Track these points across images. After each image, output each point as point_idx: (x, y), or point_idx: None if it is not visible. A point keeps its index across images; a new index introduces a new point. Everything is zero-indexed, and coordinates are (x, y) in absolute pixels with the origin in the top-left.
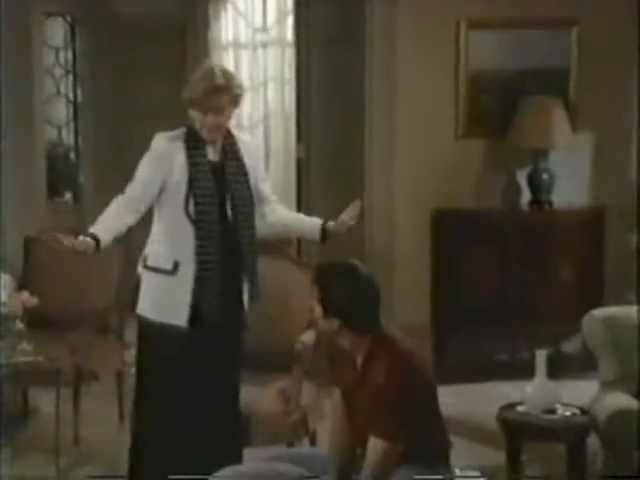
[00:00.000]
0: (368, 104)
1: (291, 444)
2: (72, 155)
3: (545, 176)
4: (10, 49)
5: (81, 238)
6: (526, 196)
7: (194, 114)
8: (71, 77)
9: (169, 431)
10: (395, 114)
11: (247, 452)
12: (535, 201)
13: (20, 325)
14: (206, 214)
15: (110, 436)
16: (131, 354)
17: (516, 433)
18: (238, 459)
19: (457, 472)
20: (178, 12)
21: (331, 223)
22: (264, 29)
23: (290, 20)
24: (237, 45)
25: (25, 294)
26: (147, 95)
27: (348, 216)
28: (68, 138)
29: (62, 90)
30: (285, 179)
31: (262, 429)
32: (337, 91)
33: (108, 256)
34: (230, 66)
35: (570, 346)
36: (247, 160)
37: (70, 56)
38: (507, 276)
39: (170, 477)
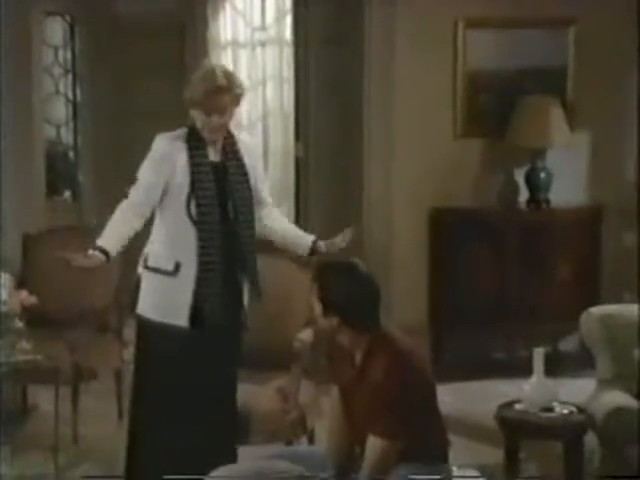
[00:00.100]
0: (366, 103)
1: (289, 442)
2: (71, 154)
3: (543, 175)
4: (9, 48)
5: (90, 252)
6: (524, 195)
7: (196, 114)
8: (70, 76)
9: (166, 430)
10: (393, 113)
11: (245, 450)
12: (533, 200)
13: (19, 324)
14: (208, 215)
15: (109, 434)
16: (130, 352)
17: (514, 431)
18: (233, 458)
19: (455, 470)
20: (177, 11)
21: (322, 243)
22: (263, 28)
23: (289, 19)
24: (236, 44)
25: (24, 293)
26: (146, 94)
27: (340, 239)
28: (67, 137)
29: (61, 89)
30: (284, 178)
31: (260, 427)
32: (336, 90)
33: None
34: (229, 65)
35: (568, 344)
36: (247, 160)
37: (69, 55)
38: (505, 274)
39: (167, 477)
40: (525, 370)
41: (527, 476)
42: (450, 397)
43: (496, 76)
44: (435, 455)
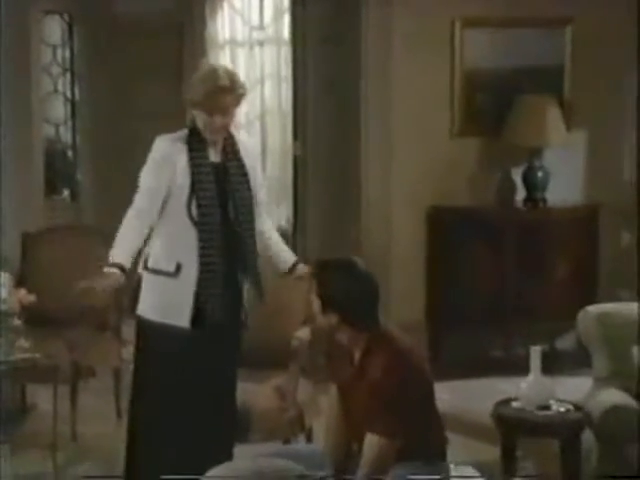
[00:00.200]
0: (364, 102)
1: (287, 441)
2: (70, 153)
3: (540, 174)
4: (8, 47)
5: (106, 270)
6: (521, 194)
7: (198, 114)
8: (68, 75)
9: (166, 429)
10: (391, 112)
11: (243, 449)
12: (530, 199)
13: (18, 322)
14: (209, 216)
15: (107, 432)
16: (129, 351)
17: (511, 429)
18: (230, 457)
19: (452, 468)
20: (175, 10)
21: (301, 265)
22: (261, 27)
23: (286, 18)
24: (234, 43)
25: (23, 291)
26: (144, 93)
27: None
28: (66, 136)
29: (59, 88)
30: (282, 176)
31: (258, 426)
32: (333, 89)
33: (106, 253)
34: (227, 64)
35: (565, 342)
36: (247, 161)
37: (68, 54)
38: (502, 273)
39: (165, 477)
40: (523, 368)
41: (524, 475)
42: (448, 395)
43: (493, 75)
44: (433, 453)
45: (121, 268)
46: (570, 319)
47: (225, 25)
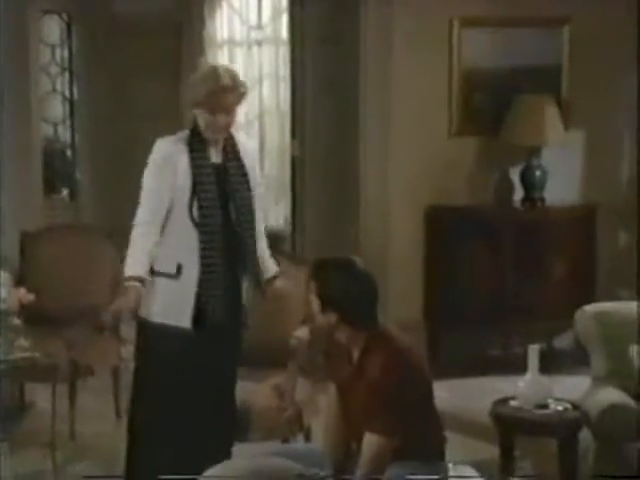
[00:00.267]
0: (362, 102)
1: (286, 440)
2: (68, 152)
3: (538, 173)
4: (6, 46)
5: (126, 285)
6: (519, 193)
7: (200, 114)
8: (67, 74)
9: (166, 429)
10: (389, 112)
11: (242, 448)
12: (528, 198)
13: (17, 321)
14: (210, 217)
15: (106, 431)
16: (127, 351)
17: (509, 428)
18: (229, 455)
19: (450, 467)
20: (174, 10)
21: (278, 281)
22: (259, 27)
23: (285, 18)
24: (232, 43)
25: (22, 290)
26: (143, 92)
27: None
28: (64, 135)
29: (58, 87)
30: (280, 176)
31: (257, 425)
32: (332, 89)
33: (105, 252)
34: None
35: (562, 341)
36: (246, 161)
37: (66, 54)
38: (500, 272)
39: (163, 477)
40: (521, 367)
41: (522, 475)
42: (446, 393)
43: (491, 75)
44: (432, 452)
45: (140, 280)
46: (568, 318)
47: (223, 25)
